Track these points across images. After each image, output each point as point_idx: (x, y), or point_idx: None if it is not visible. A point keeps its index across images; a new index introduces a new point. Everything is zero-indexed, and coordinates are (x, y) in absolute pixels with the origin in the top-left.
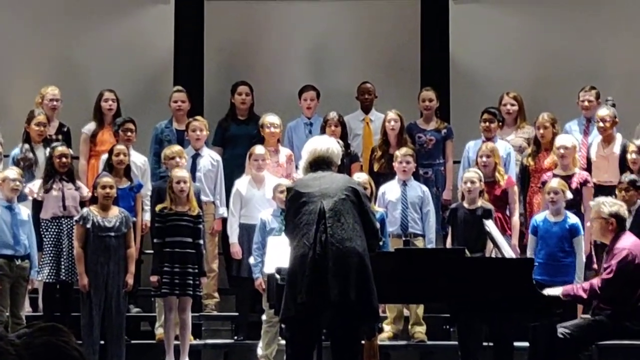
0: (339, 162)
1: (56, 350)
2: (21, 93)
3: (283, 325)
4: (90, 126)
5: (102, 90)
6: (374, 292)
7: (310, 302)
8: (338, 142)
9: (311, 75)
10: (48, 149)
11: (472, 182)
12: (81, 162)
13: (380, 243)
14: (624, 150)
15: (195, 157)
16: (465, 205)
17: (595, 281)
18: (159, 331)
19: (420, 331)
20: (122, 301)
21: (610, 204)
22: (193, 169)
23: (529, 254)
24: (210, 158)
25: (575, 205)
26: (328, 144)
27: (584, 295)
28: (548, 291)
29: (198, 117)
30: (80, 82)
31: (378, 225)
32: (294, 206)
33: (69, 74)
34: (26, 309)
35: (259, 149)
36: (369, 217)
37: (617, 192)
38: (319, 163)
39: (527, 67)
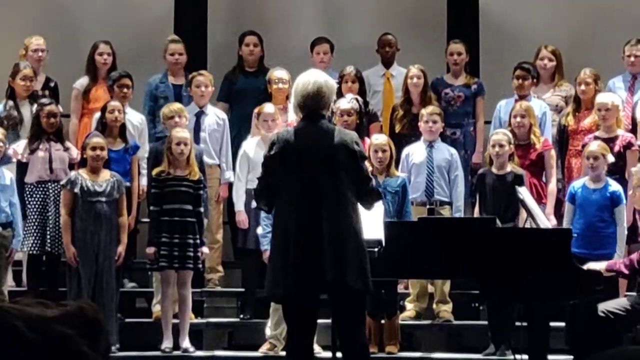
0: (334, 98)
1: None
2: (3, 45)
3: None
4: (83, 81)
5: (97, 41)
6: (369, 271)
7: (302, 284)
8: (357, 99)
9: (325, 26)
10: (35, 106)
11: (501, 145)
12: (72, 120)
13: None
14: None
15: (199, 115)
16: (494, 170)
17: (635, 256)
18: (156, 308)
19: (446, 310)
20: (115, 275)
21: None
22: (197, 129)
23: (566, 224)
24: (215, 116)
25: (617, 170)
26: (319, 82)
27: (625, 271)
28: (590, 265)
29: (203, 72)
30: (70, 32)
31: (374, 183)
32: (276, 164)
33: (58, 23)
34: (9, 284)
35: (268, 108)
36: (366, 181)
37: None
38: (310, 107)
39: (567, 18)
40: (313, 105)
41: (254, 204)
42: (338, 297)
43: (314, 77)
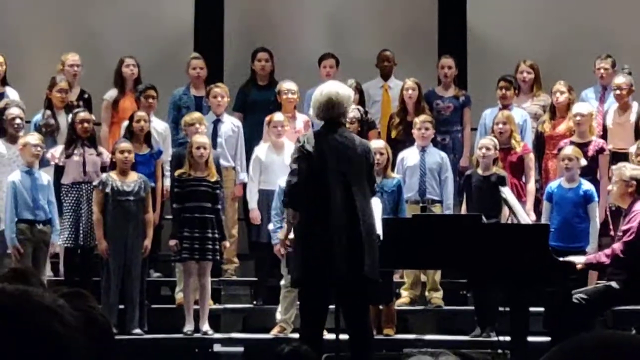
0: (348, 106)
1: (83, 316)
2: (41, 60)
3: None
4: (112, 93)
5: (123, 56)
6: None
7: (345, 274)
8: (358, 109)
9: (331, 43)
10: (70, 115)
11: (487, 149)
12: (103, 128)
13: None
14: (639, 118)
15: (216, 123)
16: (479, 171)
17: (617, 246)
18: (179, 296)
19: (437, 297)
20: (141, 265)
21: (632, 168)
22: (214, 135)
23: (544, 220)
24: (231, 124)
25: (590, 172)
26: (338, 90)
27: (607, 261)
28: (571, 258)
29: (219, 84)
30: (99, 49)
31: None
32: (308, 165)
33: (88, 41)
34: (47, 273)
35: (278, 116)
36: (374, 184)
37: (632, 157)
38: (327, 116)
39: (544, 36)
40: (329, 114)
41: (274, 202)
42: (356, 287)
43: (327, 89)
